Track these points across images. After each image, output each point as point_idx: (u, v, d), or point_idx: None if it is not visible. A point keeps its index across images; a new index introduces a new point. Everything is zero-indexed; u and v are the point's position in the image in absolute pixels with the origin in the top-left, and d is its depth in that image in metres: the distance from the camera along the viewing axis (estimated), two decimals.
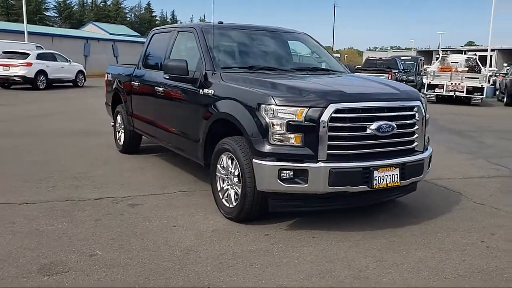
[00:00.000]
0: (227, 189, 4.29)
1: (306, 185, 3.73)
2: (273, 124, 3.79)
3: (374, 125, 3.87)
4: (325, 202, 4.03)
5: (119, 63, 10.02)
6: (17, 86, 19.29)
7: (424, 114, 4.31)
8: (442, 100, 19.19)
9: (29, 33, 27.85)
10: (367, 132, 3.87)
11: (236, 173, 4.12)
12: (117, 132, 7.28)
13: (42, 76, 19.24)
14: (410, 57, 28.96)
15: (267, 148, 3.81)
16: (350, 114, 3.83)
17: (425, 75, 21.06)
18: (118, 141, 7.24)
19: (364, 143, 3.89)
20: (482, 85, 18.74)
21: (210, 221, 4.21)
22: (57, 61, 20.63)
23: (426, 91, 18.83)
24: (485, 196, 5.32)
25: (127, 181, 5.52)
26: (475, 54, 22.32)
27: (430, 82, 19.36)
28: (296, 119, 3.75)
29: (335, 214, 4.39)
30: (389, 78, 17.53)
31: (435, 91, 19.11)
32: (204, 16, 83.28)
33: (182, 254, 3.50)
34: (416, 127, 4.22)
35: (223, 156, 4.29)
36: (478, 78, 19.05)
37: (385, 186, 3.94)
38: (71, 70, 21.46)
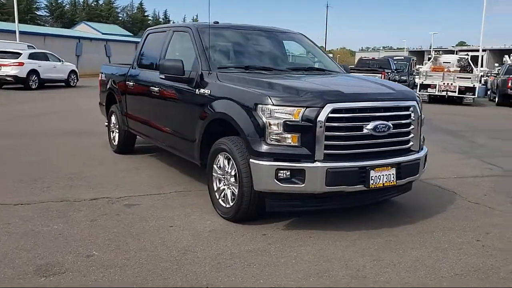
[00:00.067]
0: (224, 189, 4.28)
1: (303, 185, 3.74)
2: (270, 124, 3.80)
3: (370, 125, 3.89)
4: (322, 202, 4.04)
5: (112, 63, 9.97)
6: (9, 86, 19.13)
7: (419, 114, 4.33)
8: (434, 100, 19.32)
9: (21, 32, 27.63)
10: (364, 132, 3.89)
11: (233, 173, 4.12)
12: (111, 132, 7.24)
13: (34, 76, 19.12)
14: (402, 57, 29.10)
15: (264, 148, 3.81)
16: (347, 114, 3.84)
17: (418, 75, 21.19)
18: (113, 141, 7.20)
19: (360, 143, 3.90)
20: (474, 85, 18.92)
21: (207, 221, 4.21)
22: (49, 60, 20.50)
23: (419, 91, 18.94)
24: (479, 195, 5.36)
25: (122, 181, 5.49)
26: (467, 54, 22.51)
27: (422, 82, 19.51)
28: (293, 119, 3.75)
29: (331, 213, 4.40)
30: (382, 78, 17.59)
31: (428, 91, 19.25)
32: (197, 16, 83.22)
33: (179, 254, 3.49)
34: (412, 127, 4.24)
35: (219, 156, 4.29)
36: (470, 78, 19.22)
37: (382, 185, 3.96)
38: (63, 70, 21.33)
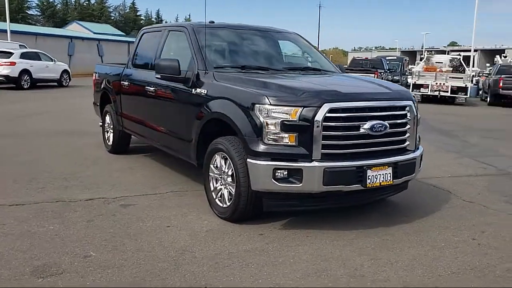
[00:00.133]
0: (221, 189, 4.28)
1: (301, 184, 3.74)
2: (267, 124, 3.80)
3: (367, 125, 3.90)
4: (319, 202, 4.04)
5: (105, 63, 9.92)
6: (0, 85, 18.94)
7: (415, 114, 4.35)
8: (427, 99, 19.43)
9: (12, 32, 27.43)
10: (361, 131, 3.90)
11: (230, 173, 4.11)
12: (106, 132, 7.20)
13: (26, 76, 18.97)
14: (395, 57, 29.31)
15: (261, 147, 3.81)
16: (344, 113, 3.85)
17: (410, 75, 21.31)
18: (107, 141, 7.16)
19: (357, 142, 3.91)
20: (466, 85, 19.06)
21: (204, 221, 4.20)
22: (41, 60, 20.35)
23: (412, 91, 19.03)
24: (474, 194, 5.40)
25: (117, 181, 5.47)
26: (459, 55, 22.66)
27: (415, 82, 19.61)
28: (291, 119, 3.76)
29: (327, 213, 4.41)
30: (375, 78, 17.67)
31: (420, 91, 19.35)
32: (190, 15, 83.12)
33: (177, 254, 3.48)
34: (408, 126, 4.26)
35: (216, 156, 4.28)
36: (462, 78, 19.35)
37: (378, 185, 3.97)
38: (55, 69, 21.18)
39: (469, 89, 19.27)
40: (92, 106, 7.88)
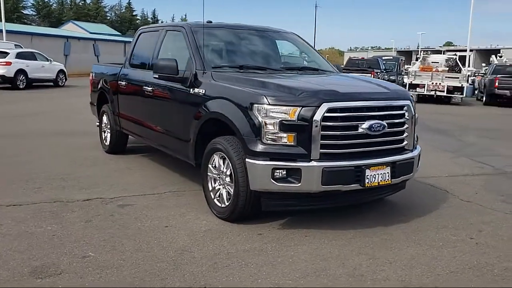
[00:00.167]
0: (219, 189, 4.27)
1: (299, 184, 3.75)
2: (266, 124, 3.80)
3: (365, 124, 3.91)
4: (318, 201, 4.05)
5: (102, 62, 9.89)
6: None
7: (413, 113, 4.37)
8: (423, 99, 19.46)
9: (8, 31, 27.27)
10: (359, 131, 3.91)
11: (228, 173, 4.11)
12: (103, 132, 7.18)
13: (22, 76, 18.88)
14: (391, 57, 29.36)
15: (260, 147, 3.81)
16: (343, 113, 3.85)
17: (406, 75, 21.36)
18: (104, 141, 7.14)
19: (356, 142, 3.92)
20: (462, 85, 19.11)
21: (202, 221, 4.19)
22: (37, 60, 20.27)
23: (408, 91, 19.07)
24: (471, 193, 5.42)
25: (115, 181, 5.45)
26: (455, 54, 22.74)
27: (411, 81, 19.66)
28: (289, 119, 3.76)
29: (325, 213, 4.41)
30: (372, 77, 17.70)
31: (417, 90, 19.40)
32: (186, 15, 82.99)
33: (176, 254, 3.48)
34: (406, 126, 4.27)
35: (214, 155, 4.27)
36: (458, 78, 19.42)
37: (377, 184, 3.98)
38: (51, 69, 21.08)
39: (465, 89, 19.32)
40: (89, 106, 7.86)
